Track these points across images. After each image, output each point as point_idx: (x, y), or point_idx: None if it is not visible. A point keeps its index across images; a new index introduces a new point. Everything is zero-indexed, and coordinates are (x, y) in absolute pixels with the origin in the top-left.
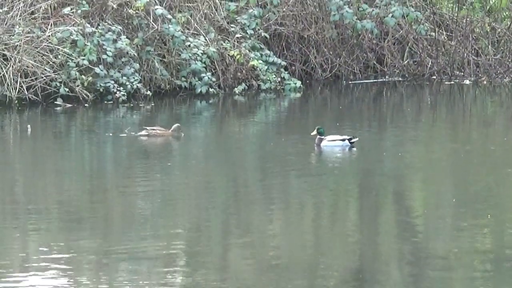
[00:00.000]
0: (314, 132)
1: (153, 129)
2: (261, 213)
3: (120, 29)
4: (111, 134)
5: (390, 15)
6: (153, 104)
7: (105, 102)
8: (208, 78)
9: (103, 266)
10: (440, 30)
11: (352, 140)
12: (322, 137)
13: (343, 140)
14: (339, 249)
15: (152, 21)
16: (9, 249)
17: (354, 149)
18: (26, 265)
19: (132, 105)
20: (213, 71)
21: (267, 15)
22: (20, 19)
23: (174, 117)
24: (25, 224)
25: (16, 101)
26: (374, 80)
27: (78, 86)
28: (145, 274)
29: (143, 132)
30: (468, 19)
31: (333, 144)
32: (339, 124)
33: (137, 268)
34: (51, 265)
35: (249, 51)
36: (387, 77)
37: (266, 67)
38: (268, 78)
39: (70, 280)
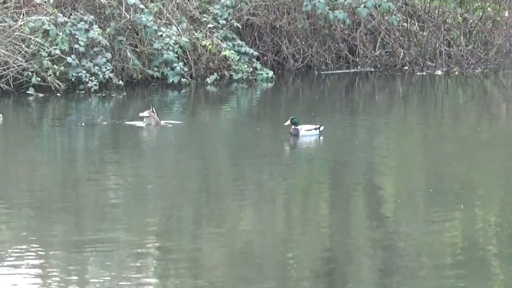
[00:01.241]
0: (288, 122)
1: (150, 113)
2: (233, 204)
3: (92, 18)
4: (83, 124)
5: (362, 5)
6: (125, 94)
7: (77, 91)
8: (180, 68)
9: (74, 256)
10: (412, 21)
11: (321, 129)
12: (297, 127)
13: (316, 129)
14: (311, 239)
15: (125, 10)
16: None
17: (321, 137)
18: None
19: (104, 94)
20: (185, 61)
21: (239, 5)
22: None
23: (146, 107)
24: None
25: None
26: (346, 71)
27: (50, 75)
28: (116, 265)
29: (146, 113)
30: (440, 9)
31: (310, 133)
32: (313, 114)
33: (108, 260)
34: (21, 256)
35: (221, 41)
36: (359, 67)
37: (238, 57)
38: (240, 68)
39: (40, 271)
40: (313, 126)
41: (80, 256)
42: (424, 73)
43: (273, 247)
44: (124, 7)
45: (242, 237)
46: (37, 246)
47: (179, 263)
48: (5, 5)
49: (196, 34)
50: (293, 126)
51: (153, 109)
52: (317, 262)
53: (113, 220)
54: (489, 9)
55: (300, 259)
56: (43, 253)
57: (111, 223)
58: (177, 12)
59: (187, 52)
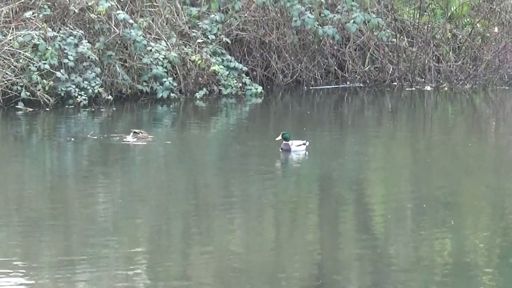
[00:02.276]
0: (279, 138)
1: (141, 132)
2: (222, 219)
3: (82, 33)
4: (72, 139)
5: (352, 21)
6: (114, 109)
7: (67, 106)
8: (169, 83)
9: (63, 274)
10: (401, 36)
11: (306, 144)
12: (288, 142)
13: (303, 144)
14: (300, 254)
15: (114, 25)
16: None
17: (307, 152)
18: None
19: (93, 109)
20: (175, 76)
21: (228, 21)
22: None
23: (135, 122)
24: None
25: None
26: (335, 86)
27: (39, 90)
28: (105, 281)
29: (131, 136)
30: (429, 25)
31: (300, 148)
32: (305, 129)
33: (97, 275)
34: (9, 273)
35: (210, 56)
36: (348, 83)
37: (227, 72)
38: (229, 83)
39: (28, 287)
40: (301, 142)
41: (69, 274)
42: (413, 88)
43: (263, 263)
44: (113, 22)
45: (231, 252)
46: (25, 263)
47: (169, 277)
48: None
49: (185, 49)
50: (284, 142)
51: (138, 131)
52: (306, 277)
53: (102, 237)
54: (478, 25)
55: (289, 274)
56: (32, 270)
57: (100, 240)
58: (166, 27)
59: (176, 67)
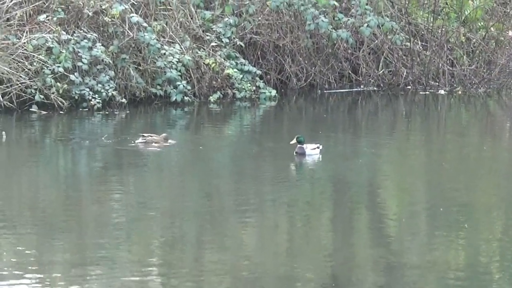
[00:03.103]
0: (294, 141)
1: (150, 136)
2: (237, 223)
3: (96, 36)
4: (86, 142)
5: (366, 24)
6: (128, 112)
7: (81, 109)
8: (183, 86)
9: (76, 276)
10: (415, 40)
11: (320, 147)
12: (302, 145)
13: (318, 147)
14: (313, 258)
15: (128, 29)
16: None
17: (320, 156)
18: None
19: (107, 112)
20: (188, 80)
21: (242, 24)
22: None
23: (149, 125)
24: None
25: None
26: (349, 90)
27: (53, 93)
28: (118, 285)
29: (140, 140)
30: (443, 29)
31: (314, 152)
32: (321, 132)
33: (110, 279)
34: (23, 275)
35: (224, 59)
36: (362, 86)
37: (241, 75)
38: (243, 87)
39: None
40: (316, 145)
41: (82, 278)
42: (427, 92)
43: (276, 266)
44: (127, 25)
45: (245, 256)
46: (39, 265)
47: (181, 283)
48: (8, 23)
49: (199, 52)
50: (298, 145)
51: (147, 135)
52: (319, 282)
53: (115, 240)
54: (492, 28)
55: (302, 278)
56: (45, 272)
57: (113, 243)
58: (180, 30)
59: (190, 71)
